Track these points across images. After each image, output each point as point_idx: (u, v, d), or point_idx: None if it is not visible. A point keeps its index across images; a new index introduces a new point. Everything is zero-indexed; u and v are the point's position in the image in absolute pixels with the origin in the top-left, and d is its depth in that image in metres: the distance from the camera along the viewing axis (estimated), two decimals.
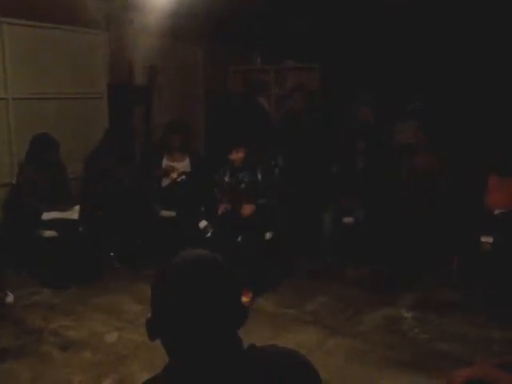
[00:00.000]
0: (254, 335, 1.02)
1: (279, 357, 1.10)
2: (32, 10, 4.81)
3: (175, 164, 5.34)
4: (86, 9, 5.16)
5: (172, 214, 5.13)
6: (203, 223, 4.84)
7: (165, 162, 5.37)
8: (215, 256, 1.09)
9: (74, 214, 4.68)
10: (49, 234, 4.50)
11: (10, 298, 4.08)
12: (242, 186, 4.67)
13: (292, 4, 5.98)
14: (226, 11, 5.73)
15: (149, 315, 1.07)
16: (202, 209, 5.15)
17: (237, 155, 4.66)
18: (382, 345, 3.51)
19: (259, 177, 4.67)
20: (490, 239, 4.15)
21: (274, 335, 3.48)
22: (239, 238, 4.38)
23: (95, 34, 5.52)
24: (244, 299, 3.94)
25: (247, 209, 4.53)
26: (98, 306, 4.10)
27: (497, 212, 4.41)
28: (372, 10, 5.64)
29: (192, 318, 1.00)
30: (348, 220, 4.89)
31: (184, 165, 5.38)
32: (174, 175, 5.26)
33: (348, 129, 5.70)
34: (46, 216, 4.55)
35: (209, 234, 4.55)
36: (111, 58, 5.65)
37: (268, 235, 4.53)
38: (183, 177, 5.31)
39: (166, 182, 5.36)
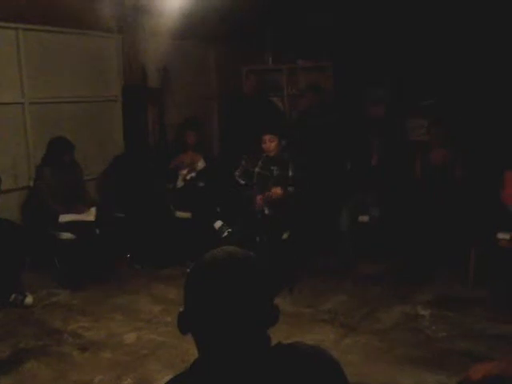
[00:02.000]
0: (271, 335, 1.04)
1: (305, 353, 1.11)
2: (46, 15, 4.87)
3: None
4: (99, 13, 5.20)
5: (187, 214, 5.16)
6: (218, 223, 4.85)
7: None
8: (249, 253, 1.10)
9: (90, 215, 4.74)
10: (66, 236, 4.54)
11: (29, 300, 4.13)
12: (272, 180, 4.61)
13: (304, 2, 5.98)
14: (237, 12, 5.75)
15: (181, 309, 1.08)
16: (218, 209, 5.18)
17: (269, 144, 4.54)
18: (399, 343, 3.50)
19: (290, 173, 4.59)
20: (507, 236, 4.12)
21: (291, 334, 3.48)
22: (257, 238, 4.37)
23: (109, 38, 5.57)
24: None
25: (277, 190, 4.44)
26: (116, 307, 4.14)
27: None
28: (384, 6, 5.62)
29: (223, 313, 1.02)
30: (364, 219, 4.87)
31: (199, 165, 5.43)
32: (184, 172, 5.31)
33: (361, 125, 5.69)
34: (63, 218, 4.60)
35: (225, 234, 4.56)
36: (125, 61, 5.69)
37: (285, 235, 4.53)
38: (193, 174, 5.34)
39: (180, 184, 5.40)
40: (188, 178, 5.36)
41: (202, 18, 5.70)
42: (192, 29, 5.87)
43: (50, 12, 4.89)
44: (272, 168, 4.62)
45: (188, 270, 1.11)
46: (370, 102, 6.08)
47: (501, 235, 4.15)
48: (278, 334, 1.12)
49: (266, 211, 4.59)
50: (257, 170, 4.67)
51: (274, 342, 1.11)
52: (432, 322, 3.77)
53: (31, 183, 4.84)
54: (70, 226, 4.56)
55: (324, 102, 5.94)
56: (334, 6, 5.85)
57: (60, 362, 3.34)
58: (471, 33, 5.30)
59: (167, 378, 1.13)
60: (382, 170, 4.95)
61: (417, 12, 5.52)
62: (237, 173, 4.91)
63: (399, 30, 5.62)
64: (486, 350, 3.26)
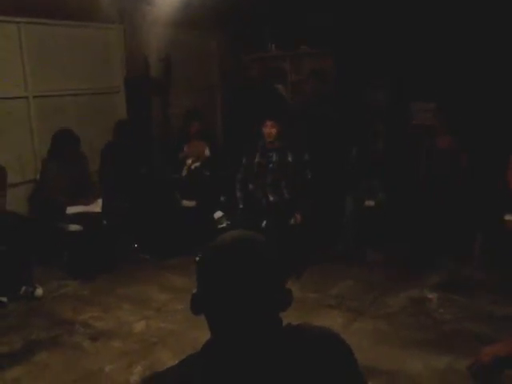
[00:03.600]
0: None
1: (315, 335, 1.13)
2: (47, 8, 4.85)
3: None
4: (100, 4, 5.19)
5: (192, 203, 5.18)
6: (218, 214, 4.87)
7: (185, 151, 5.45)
8: (260, 236, 1.11)
9: (97, 207, 4.77)
10: (73, 227, 4.57)
11: (39, 292, 4.17)
12: (270, 166, 4.63)
13: None
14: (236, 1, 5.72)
15: (194, 290, 1.09)
16: (222, 199, 5.19)
17: (270, 130, 4.55)
18: (407, 326, 3.52)
19: (290, 159, 4.62)
20: None
21: (299, 319, 3.48)
22: (263, 224, 4.38)
23: (110, 29, 5.56)
24: None
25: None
26: (124, 296, 4.18)
27: None
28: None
29: (234, 296, 1.03)
30: (369, 203, 4.88)
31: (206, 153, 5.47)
32: (189, 161, 5.34)
33: (365, 112, 5.66)
34: (70, 210, 4.64)
35: (223, 225, 4.56)
36: (127, 52, 5.68)
37: (292, 220, 4.54)
38: (197, 164, 5.36)
39: (184, 173, 5.43)
40: (192, 167, 5.38)
41: (203, 6, 5.68)
42: (193, 17, 5.84)
43: (51, 5, 4.88)
44: (270, 154, 4.64)
45: (197, 258, 1.12)
46: (372, 89, 6.04)
47: (508, 217, 4.15)
48: (286, 319, 1.14)
49: (271, 198, 4.60)
50: (256, 160, 4.68)
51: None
52: (439, 306, 3.79)
53: (37, 176, 4.86)
54: (77, 218, 4.59)
55: (323, 93, 5.88)
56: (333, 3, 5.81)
57: (71, 351, 3.39)
58: (475, 18, 5.25)
59: None
60: (386, 157, 4.94)
61: (417, 5, 5.48)
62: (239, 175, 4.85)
63: (400, 22, 5.56)
64: (493, 332, 3.27)
